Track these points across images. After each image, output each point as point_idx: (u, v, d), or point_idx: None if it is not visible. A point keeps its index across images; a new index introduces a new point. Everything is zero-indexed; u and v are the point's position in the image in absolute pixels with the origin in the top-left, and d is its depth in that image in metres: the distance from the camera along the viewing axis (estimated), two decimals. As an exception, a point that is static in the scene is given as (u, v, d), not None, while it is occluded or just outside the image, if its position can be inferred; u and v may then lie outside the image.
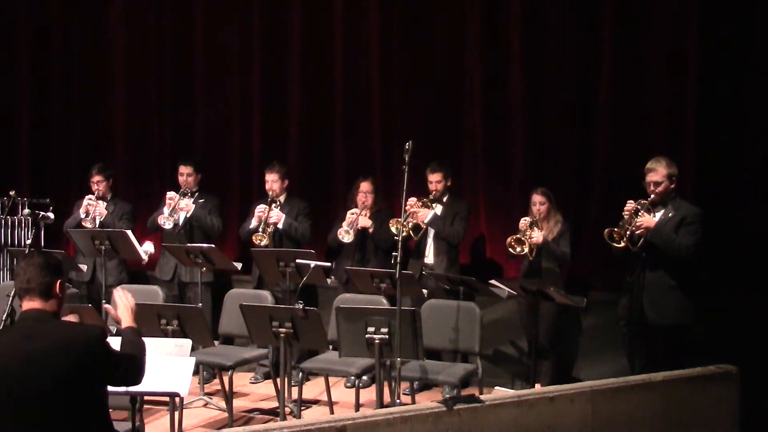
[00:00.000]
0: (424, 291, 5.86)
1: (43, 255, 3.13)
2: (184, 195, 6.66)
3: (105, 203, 6.84)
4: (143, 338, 3.37)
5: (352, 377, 5.80)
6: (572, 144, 6.60)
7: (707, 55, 6.03)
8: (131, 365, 3.18)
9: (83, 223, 6.69)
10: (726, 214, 5.77)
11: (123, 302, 3.43)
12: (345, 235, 6.23)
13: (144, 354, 3.28)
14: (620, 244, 5.16)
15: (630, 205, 5.19)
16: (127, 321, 3.39)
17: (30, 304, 3.03)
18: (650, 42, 6.28)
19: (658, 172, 5.20)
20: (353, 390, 5.48)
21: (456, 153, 6.93)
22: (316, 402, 6.06)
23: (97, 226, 6.65)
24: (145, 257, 6.51)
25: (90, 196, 6.79)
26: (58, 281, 3.08)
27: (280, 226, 6.46)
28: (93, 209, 6.71)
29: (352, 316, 4.59)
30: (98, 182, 6.88)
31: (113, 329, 5.64)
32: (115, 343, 3.27)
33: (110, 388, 3.14)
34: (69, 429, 2.93)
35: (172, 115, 8.02)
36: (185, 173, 6.77)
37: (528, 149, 6.72)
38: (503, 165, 6.83)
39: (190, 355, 4.08)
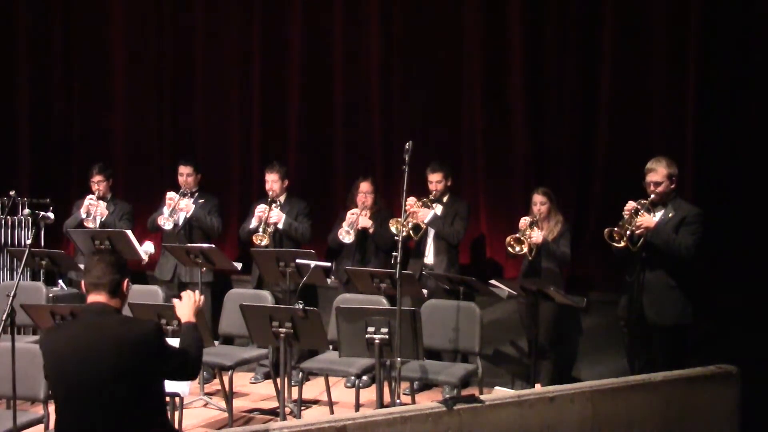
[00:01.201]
0: (424, 291, 5.86)
1: (114, 254, 3.38)
2: (183, 195, 6.66)
3: (105, 203, 6.84)
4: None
5: (352, 377, 5.80)
6: (572, 144, 6.60)
7: (707, 55, 6.03)
8: (185, 360, 3.31)
9: (85, 223, 6.69)
10: (726, 214, 5.77)
11: (187, 300, 3.58)
12: (345, 235, 6.23)
13: (200, 349, 3.43)
14: (620, 243, 5.16)
15: (630, 204, 5.19)
16: (185, 317, 3.53)
17: (96, 297, 3.22)
18: (650, 42, 6.28)
19: (658, 172, 5.19)
20: (353, 390, 5.48)
21: (456, 153, 6.93)
22: (316, 402, 6.06)
23: (98, 226, 6.65)
24: (145, 257, 6.51)
25: (91, 196, 6.80)
26: (126, 280, 3.29)
27: (280, 226, 6.46)
28: (94, 209, 6.71)
29: (352, 316, 4.59)
30: (99, 182, 6.89)
31: None
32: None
33: None
34: (123, 417, 3.09)
35: (172, 115, 8.02)
36: (185, 173, 6.77)
37: (528, 149, 6.72)
38: (503, 165, 6.83)
39: (190, 355, 4.09)
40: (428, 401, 4.23)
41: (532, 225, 5.81)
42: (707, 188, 5.94)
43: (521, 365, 6.30)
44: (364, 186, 6.44)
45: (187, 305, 3.57)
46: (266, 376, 6.49)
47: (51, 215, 6.11)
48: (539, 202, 5.94)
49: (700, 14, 6.04)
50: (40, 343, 3.27)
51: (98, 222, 6.70)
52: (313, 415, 5.71)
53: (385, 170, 7.08)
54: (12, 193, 7.55)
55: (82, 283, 3.30)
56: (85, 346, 3.08)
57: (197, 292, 3.67)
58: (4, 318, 3.95)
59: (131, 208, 6.99)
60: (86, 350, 3.08)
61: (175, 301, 3.68)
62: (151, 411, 3.21)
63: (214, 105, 7.85)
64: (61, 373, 3.12)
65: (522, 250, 5.76)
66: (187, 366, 3.33)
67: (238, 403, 5.95)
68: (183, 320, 3.54)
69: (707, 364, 4.52)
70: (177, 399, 4.85)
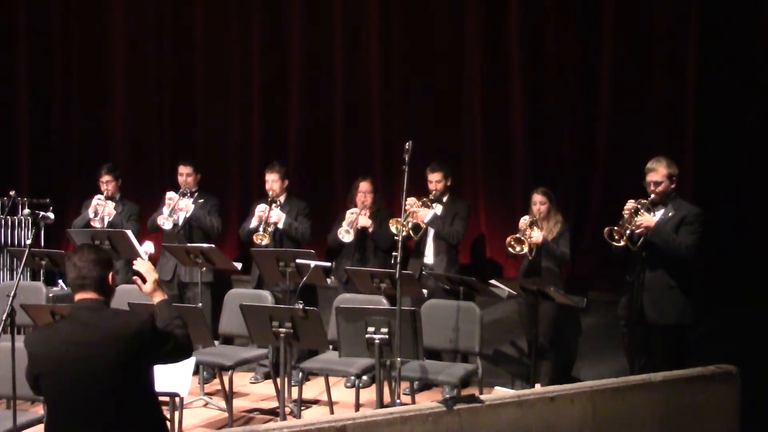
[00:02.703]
0: (424, 291, 5.86)
1: (94, 250, 3.27)
2: (183, 195, 6.66)
3: (114, 203, 6.84)
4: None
5: (352, 377, 5.80)
6: (572, 144, 6.60)
7: (707, 55, 6.03)
8: (177, 342, 3.26)
9: (92, 223, 6.69)
10: (726, 214, 5.77)
11: (147, 275, 3.44)
12: (345, 234, 6.23)
13: (184, 325, 3.34)
14: (620, 243, 5.16)
15: (630, 204, 5.19)
16: (158, 295, 3.43)
17: (84, 295, 3.18)
18: (650, 42, 6.28)
19: (658, 172, 5.19)
20: (353, 390, 5.48)
21: (456, 153, 6.93)
22: (316, 402, 6.06)
23: (105, 226, 6.65)
24: (145, 257, 6.49)
25: (99, 196, 6.79)
26: (110, 273, 3.25)
27: (280, 226, 6.46)
28: (102, 209, 6.71)
29: (352, 316, 4.59)
30: (107, 182, 6.88)
31: None
32: None
33: None
34: (122, 413, 3.08)
35: (172, 115, 8.02)
36: (185, 173, 6.77)
37: (528, 149, 6.72)
38: (503, 165, 6.84)
39: (190, 355, 4.09)
40: (428, 401, 4.23)
41: (532, 225, 5.81)
42: (707, 188, 5.94)
43: (521, 365, 6.30)
44: (364, 186, 6.44)
45: (149, 282, 3.43)
46: (266, 376, 6.49)
47: (51, 215, 6.08)
48: (539, 201, 5.94)
49: (701, 15, 6.04)
50: (26, 345, 3.19)
51: (105, 222, 6.70)
52: (313, 415, 5.71)
53: (385, 170, 7.08)
54: (12, 193, 7.55)
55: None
56: (84, 344, 3.06)
57: (144, 261, 3.51)
58: (4, 318, 3.95)
59: (139, 209, 6.98)
60: (84, 348, 3.06)
61: (136, 278, 3.47)
62: (148, 405, 3.20)
63: (215, 105, 7.86)
64: (57, 375, 3.08)
65: (522, 250, 5.77)
66: (181, 346, 3.29)
67: (238, 403, 5.95)
68: (155, 300, 3.43)
69: (707, 364, 4.51)
70: (177, 399, 4.85)
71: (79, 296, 3.20)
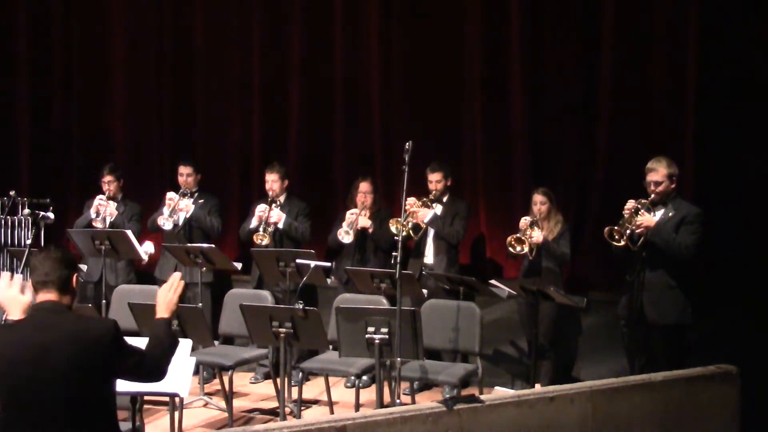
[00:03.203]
0: (424, 291, 5.86)
1: (60, 249, 3.15)
2: (183, 195, 6.66)
3: (116, 204, 6.84)
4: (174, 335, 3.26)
5: (352, 377, 5.80)
6: (572, 144, 6.60)
7: (707, 55, 6.03)
8: (142, 361, 3.10)
9: (94, 224, 6.69)
10: (726, 214, 5.77)
11: (167, 289, 3.28)
12: (345, 235, 6.23)
13: (168, 348, 3.19)
14: (620, 243, 5.16)
15: (630, 204, 5.19)
16: (160, 311, 3.27)
17: (46, 296, 3.05)
18: (650, 42, 6.28)
19: (658, 172, 5.20)
20: (353, 390, 5.48)
21: (456, 153, 6.93)
22: (316, 402, 6.06)
23: (107, 226, 6.65)
24: (145, 257, 6.51)
25: (101, 196, 6.79)
26: (75, 275, 3.12)
27: (280, 226, 6.45)
28: (103, 210, 6.71)
29: (352, 316, 4.59)
30: (109, 182, 6.88)
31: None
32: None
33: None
34: (76, 420, 2.94)
35: (172, 115, 8.02)
36: (185, 173, 6.77)
37: (528, 149, 6.72)
38: (503, 165, 6.83)
39: (190, 355, 4.09)
40: (428, 401, 4.23)
41: (532, 225, 5.81)
42: (707, 188, 5.94)
43: (521, 365, 6.30)
44: (364, 186, 6.44)
45: (163, 296, 3.27)
46: (266, 376, 6.49)
47: (51, 215, 6.11)
48: (539, 201, 5.94)
49: (701, 14, 6.04)
50: None
51: (107, 222, 6.69)
52: (313, 415, 5.71)
53: (385, 170, 7.08)
54: (12, 193, 7.54)
55: (30, 281, 3.12)
56: (41, 347, 2.91)
57: (179, 279, 3.32)
58: (4, 318, 3.95)
59: (141, 209, 6.97)
60: (41, 350, 2.91)
61: (159, 290, 3.33)
62: (100, 415, 3.03)
63: (215, 105, 7.85)
64: (11, 376, 2.93)
65: (523, 249, 5.77)
66: (144, 366, 3.10)
67: (238, 403, 5.95)
68: (156, 314, 3.27)
69: (707, 364, 4.52)
70: (177, 399, 4.85)
71: (40, 297, 3.06)
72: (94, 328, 3.01)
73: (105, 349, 2.97)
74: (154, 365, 3.14)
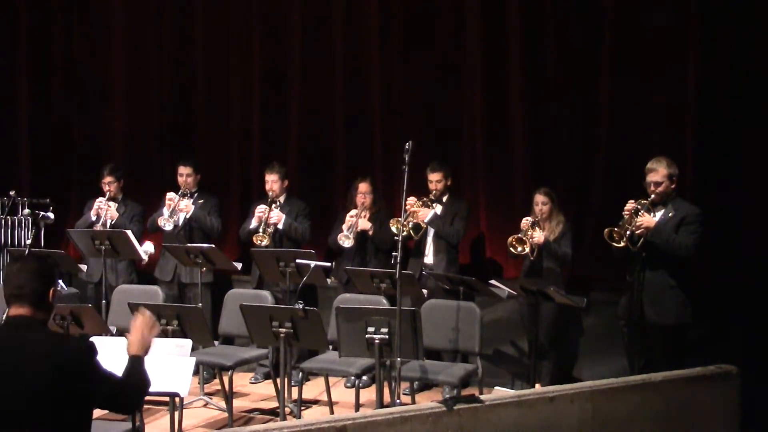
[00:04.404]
0: (424, 291, 5.86)
1: (37, 260, 2.95)
2: (183, 196, 6.66)
3: (116, 204, 6.83)
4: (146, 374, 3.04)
5: (352, 377, 5.80)
6: (572, 144, 6.60)
7: (707, 55, 6.02)
8: (117, 390, 2.88)
9: (95, 227, 6.67)
10: (726, 214, 5.77)
11: (139, 330, 3.08)
12: (345, 240, 6.22)
13: (141, 384, 2.99)
14: (620, 243, 5.16)
15: (630, 204, 5.19)
16: (133, 348, 3.05)
17: (18, 310, 2.82)
18: (651, 42, 6.27)
19: (658, 172, 5.20)
20: (353, 390, 5.48)
21: (456, 153, 6.93)
22: (316, 402, 6.06)
23: (108, 228, 6.64)
24: (145, 257, 6.51)
25: (101, 198, 6.78)
26: (52, 289, 2.89)
27: (280, 226, 6.45)
28: (104, 212, 6.70)
29: (352, 316, 4.59)
30: (109, 183, 6.87)
31: (113, 329, 5.65)
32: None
33: None
34: None
35: (172, 115, 8.02)
36: (185, 174, 6.77)
37: (528, 149, 6.72)
38: (503, 165, 6.83)
39: (190, 355, 4.09)
40: (428, 401, 4.22)
41: (533, 225, 5.81)
42: (707, 188, 5.94)
43: (521, 365, 6.30)
44: (363, 186, 6.44)
45: (138, 335, 3.05)
46: (266, 376, 6.49)
47: (51, 215, 6.11)
48: (541, 202, 5.94)
49: (700, 14, 6.04)
50: None
51: (108, 225, 6.67)
52: (313, 415, 5.71)
53: (385, 170, 7.07)
54: (12, 193, 7.55)
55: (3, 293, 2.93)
56: (5, 364, 2.69)
57: (146, 315, 3.13)
58: (4, 318, 3.94)
59: (142, 210, 6.96)
60: (6, 368, 2.68)
61: (133, 325, 3.11)
62: None
63: (215, 105, 7.85)
64: None
65: (524, 250, 5.77)
66: (118, 396, 2.87)
67: (238, 403, 5.95)
68: (129, 352, 3.03)
69: (707, 364, 4.51)
70: (177, 399, 4.85)
71: (12, 311, 2.83)
72: (66, 350, 2.78)
73: (73, 373, 2.73)
74: (129, 398, 2.95)
